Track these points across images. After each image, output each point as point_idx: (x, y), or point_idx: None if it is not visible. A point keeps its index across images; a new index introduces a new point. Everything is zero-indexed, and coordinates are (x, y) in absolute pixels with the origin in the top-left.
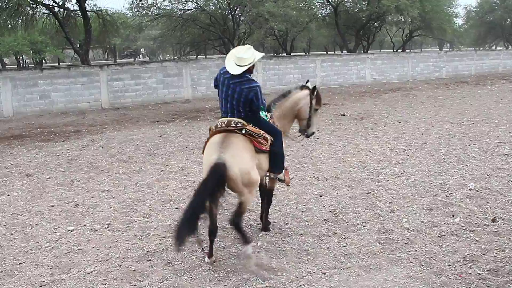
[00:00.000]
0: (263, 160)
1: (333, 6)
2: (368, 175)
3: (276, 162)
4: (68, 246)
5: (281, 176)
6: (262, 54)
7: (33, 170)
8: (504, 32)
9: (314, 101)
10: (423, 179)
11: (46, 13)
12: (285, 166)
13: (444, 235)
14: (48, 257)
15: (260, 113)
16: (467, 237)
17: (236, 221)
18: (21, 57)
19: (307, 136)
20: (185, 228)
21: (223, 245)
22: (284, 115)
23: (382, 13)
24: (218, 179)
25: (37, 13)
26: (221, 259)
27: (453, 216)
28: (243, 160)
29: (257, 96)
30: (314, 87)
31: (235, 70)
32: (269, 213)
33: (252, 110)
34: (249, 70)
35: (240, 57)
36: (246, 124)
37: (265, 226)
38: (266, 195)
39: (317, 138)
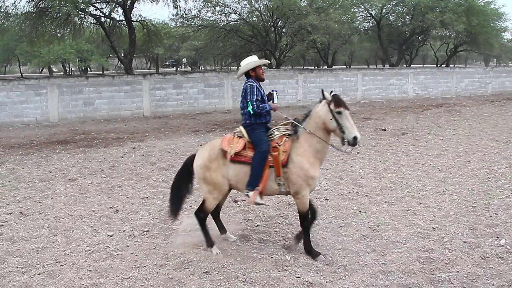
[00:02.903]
0: (239, 170)
1: (376, 19)
2: (409, 191)
3: (250, 176)
4: (107, 251)
5: (250, 193)
6: (258, 61)
7: (76, 175)
8: None
9: (332, 106)
10: (466, 198)
11: (93, 22)
12: (258, 187)
13: (488, 257)
14: (88, 261)
15: (249, 108)
16: None
17: (196, 213)
18: (67, 65)
19: (350, 144)
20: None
21: (260, 257)
22: (316, 130)
23: (426, 27)
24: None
25: (84, 23)
26: (257, 271)
27: (497, 237)
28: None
29: (245, 92)
30: (332, 96)
31: (237, 75)
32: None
33: (246, 102)
34: (253, 76)
35: (240, 64)
36: (239, 136)
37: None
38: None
39: (357, 153)
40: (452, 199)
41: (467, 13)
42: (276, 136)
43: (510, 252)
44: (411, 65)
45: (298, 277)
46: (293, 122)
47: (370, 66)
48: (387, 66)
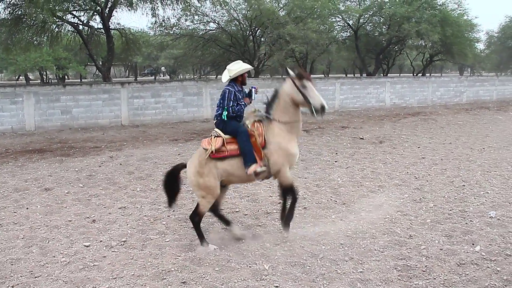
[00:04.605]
0: (228, 165)
1: (354, 29)
2: (386, 199)
3: (244, 158)
4: (83, 262)
5: (250, 168)
6: (248, 66)
7: (52, 185)
8: None
9: (297, 81)
10: (442, 205)
11: (71, 30)
12: (256, 161)
13: (464, 264)
14: (64, 272)
15: (224, 113)
16: (488, 267)
17: (191, 217)
18: (44, 73)
19: (317, 112)
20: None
21: (239, 266)
22: (285, 109)
23: (402, 37)
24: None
25: (62, 30)
26: (235, 280)
27: (473, 244)
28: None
29: (223, 96)
30: (295, 72)
31: (224, 79)
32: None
33: (223, 107)
34: (239, 81)
35: (229, 69)
36: (216, 136)
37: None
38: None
39: (335, 161)
40: (428, 207)
41: (441, 24)
42: (248, 124)
43: (485, 259)
44: (388, 74)
45: (277, 286)
46: (263, 110)
47: (348, 75)
48: (364, 75)
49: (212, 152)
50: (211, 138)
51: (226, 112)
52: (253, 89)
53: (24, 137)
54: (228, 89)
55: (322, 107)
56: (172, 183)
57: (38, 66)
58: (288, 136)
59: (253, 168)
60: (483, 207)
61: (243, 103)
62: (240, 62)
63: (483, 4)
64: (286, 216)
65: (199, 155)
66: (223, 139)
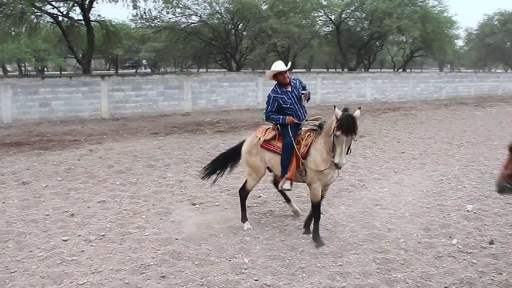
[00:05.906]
0: (271, 157)
1: (336, 24)
2: (365, 193)
3: (281, 169)
4: (61, 256)
5: (282, 181)
6: (276, 68)
7: (29, 178)
8: (503, 55)
9: (335, 124)
10: (420, 199)
11: (50, 21)
12: (286, 175)
13: (441, 257)
14: (41, 267)
15: (262, 116)
16: (464, 259)
17: (239, 191)
18: (23, 65)
19: (335, 166)
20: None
21: (218, 260)
22: (327, 133)
23: (383, 32)
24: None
25: (41, 21)
26: (215, 274)
27: (450, 237)
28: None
29: (267, 101)
30: (341, 116)
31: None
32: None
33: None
34: (277, 82)
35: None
36: (273, 129)
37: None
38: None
39: None
40: (407, 201)
41: (422, 20)
42: (303, 130)
43: (461, 251)
44: (369, 69)
45: (256, 280)
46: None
47: (329, 69)
48: (346, 70)
49: (260, 140)
50: (267, 129)
51: (264, 116)
52: (302, 95)
53: (1, 130)
54: (268, 94)
55: (336, 164)
56: (232, 156)
57: (16, 57)
58: (325, 155)
59: (280, 184)
60: (461, 201)
61: (289, 105)
62: (278, 62)
63: (463, 2)
64: (313, 232)
65: (253, 136)
66: (277, 134)
